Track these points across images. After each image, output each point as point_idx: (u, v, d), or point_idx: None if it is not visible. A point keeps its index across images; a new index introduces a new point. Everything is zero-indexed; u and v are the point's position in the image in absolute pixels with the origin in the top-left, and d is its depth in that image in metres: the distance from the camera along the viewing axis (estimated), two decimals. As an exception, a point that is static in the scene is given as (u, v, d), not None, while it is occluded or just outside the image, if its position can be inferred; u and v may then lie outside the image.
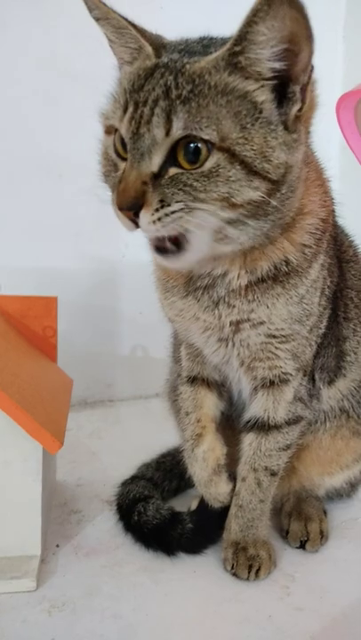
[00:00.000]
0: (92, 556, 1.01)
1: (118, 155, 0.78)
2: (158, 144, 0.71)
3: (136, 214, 0.72)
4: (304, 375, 0.97)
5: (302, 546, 1.05)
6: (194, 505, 1.08)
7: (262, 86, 0.72)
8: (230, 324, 0.88)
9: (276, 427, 0.96)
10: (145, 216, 0.71)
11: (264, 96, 0.73)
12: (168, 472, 1.20)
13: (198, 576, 0.97)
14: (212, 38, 0.80)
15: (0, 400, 0.88)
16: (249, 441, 0.98)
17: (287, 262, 0.85)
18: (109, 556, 1.02)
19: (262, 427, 0.97)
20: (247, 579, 0.96)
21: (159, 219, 0.71)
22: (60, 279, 1.57)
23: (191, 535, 1.01)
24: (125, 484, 1.14)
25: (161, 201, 0.71)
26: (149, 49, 0.77)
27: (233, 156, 0.70)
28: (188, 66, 0.72)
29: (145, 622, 0.87)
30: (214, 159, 0.70)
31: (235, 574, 0.97)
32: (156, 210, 0.71)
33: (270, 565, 0.98)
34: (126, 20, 0.78)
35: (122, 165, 0.76)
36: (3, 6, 1.51)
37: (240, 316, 0.87)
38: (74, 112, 1.41)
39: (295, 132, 0.75)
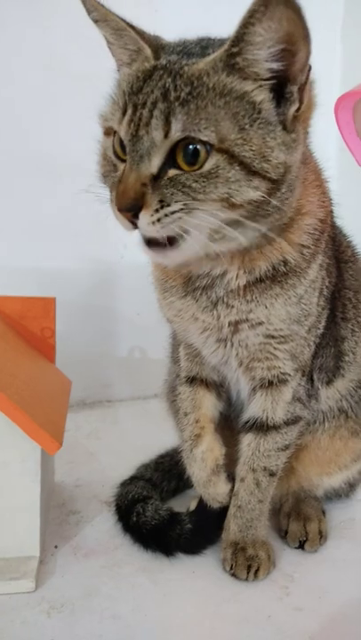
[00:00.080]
0: (91, 557, 1.01)
1: (117, 156, 0.78)
2: (157, 146, 0.71)
3: (135, 215, 0.72)
4: (303, 375, 0.97)
5: (301, 546, 1.05)
6: (193, 505, 1.08)
7: (260, 87, 0.73)
8: (229, 325, 0.88)
9: (275, 427, 0.96)
10: (145, 217, 0.71)
11: (262, 96, 0.73)
12: (167, 472, 1.20)
13: (197, 576, 0.97)
14: (210, 39, 0.80)
15: (-2, 401, 0.88)
16: (248, 441, 0.98)
17: (285, 263, 0.85)
18: (108, 556, 1.02)
19: (261, 427, 0.97)
20: (246, 579, 0.96)
21: (159, 219, 0.71)
22: (59, 280, 1.57)
23: (190, 536, 1.01)
24: (124, 484, 1.14)
25: (160, 201, 0.71)
26: (148, 51, 0.77)
27: (232, 156, 0.70)
28: (186, 68, 0.72)
29: (144, 623, 0.87)
30: (213, 160, 0.70)
31: (234, 574, 0.97)
32: (156, 210, 0.71)
33: (269, 566, 0.98)
34: (125, 21, 0.78)
35: (121, 166, 0.76)
36: (-2, 6, 1.51)
37: (239, 316, 0.87)
38: (71, 112, 1.41)
39: (294, 131, 0.75)
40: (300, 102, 0.74)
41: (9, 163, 1.55)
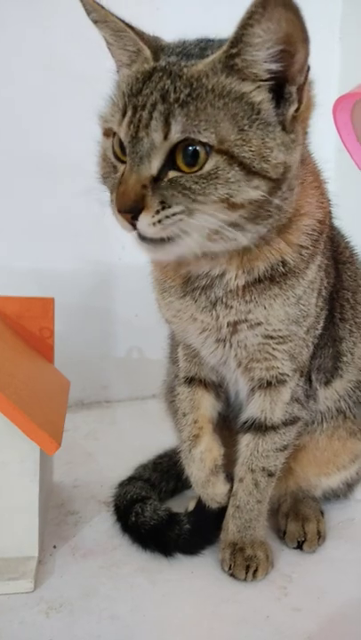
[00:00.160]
0: (90, 557, 1.01)
1: (117, 158, 0.78)
2: (157, 148, 0.71)
3: (135, 217, 0.72)
4: (301, 376, 0.97)
5: (300, 546, 1.05)
6: (191, 506, 1.08)
7: (259, 87, 0.73)
8: (228, 325, 0.88)
9: (274, 427, 0.97)
10: (145, 219, 0.71)
11: (261, 97, 0.73)
12: (165, 473, 1.20)
13: (196, 577, 0.97)
14: (209, 40, 0.80)
15: (-3, 401, 0.88)
16: (246, 442, 0.98)
17: (284, 263, 0.85)
18: (107, 557, 1.02)
19: (259, 427, 0.97)
20: (245, 579, 0.96)
21: (159, 221, 0.71)
22: (57, 280, 1.57)
23: (188, 536, 1.01)
24: (122, 485, 1.14)
25: (161, 202, 0.71)
26: (147, 52, 0.77)
27: (231, 157, 0.70)
28: (185, 69, 0.72)
29: (142, 623, 0.87)
30: (213, 162, 0.70)
31: (232, 575, 0.97)
32: (157, 212, 0.71)
33: (268, 566, 0.98)
34: (124, 22, 0.78)
35: (121, 168, 0.76)
36: (-2, 6, 1.51)
37: (238, 316, 0.87)
38: (71, 112, 1.41)
39: (293, 132, 0.75)
40: (299, 103, 0.74)
41: (9, 163, 1.55)
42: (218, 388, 1.04)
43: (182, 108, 0.70)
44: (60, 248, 1.62)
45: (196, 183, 0.71)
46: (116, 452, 1.40)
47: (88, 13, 0.79)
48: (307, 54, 0.70)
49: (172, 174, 0.72)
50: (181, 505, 1.14)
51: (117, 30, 0.79)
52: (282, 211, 0.77)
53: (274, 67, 0.72)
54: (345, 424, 1.07)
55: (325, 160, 0.94)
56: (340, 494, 1.19)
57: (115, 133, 0.77)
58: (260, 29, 0.68)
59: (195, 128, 0.70)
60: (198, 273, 0.86)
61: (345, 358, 1.04)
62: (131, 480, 1.15)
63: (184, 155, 0.71)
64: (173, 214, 0.71)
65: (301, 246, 0.86)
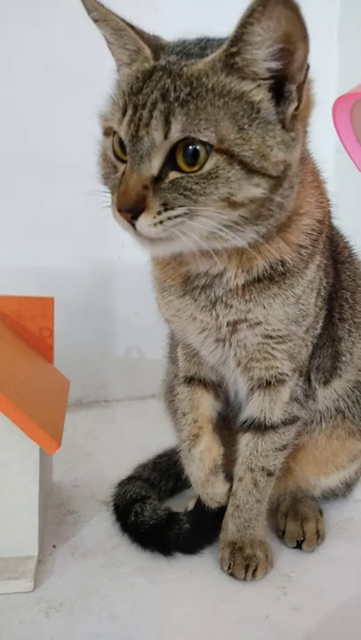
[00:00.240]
0: (89, 557, 1.01)
1: (117, 157, 0.78)
2: (157, 147, 0.71)
3: (134, 217, 0.72)
4: (300, 375, 0.97)
5: (299, 546, 1.06)
6: (191, 505, 1.09)
7: (259, 86, 0.73)
8: (227, 325, 0.88)
9: (273, 427, 0.97)
10: (146, 219, 0.71)
11: (261, 96, 0.73)
12: (165, 472, 1.20)
13: (195, 576, 0.98)
14: (208, 40, 0.80)
15: (-3, 401, 0.88)
16: (245, 441, 0.98)
17: (283, 262, 0.85)
18: (106, 556, 1.02)
19: (259, 427, 0.97)
20: (244, 579, 0.96)
21: (161, 222, 0.71)
22: (57, 280, 1.57)
23: (188, 535, 1.01)
24: (122, 484, 1.14)
25: (164, 204, 0.71)
26: (148, 51, 0.77)
27: (232, 156, 0.70)
28: (185, 68, 0.72)
29: (142, 623, 0.87)
30: (213, 161, 0.70)
31: (232, 574, 0.97)
32: (159, 213, 0.71)
33: (267, 565, 0.98)
34: (125, 21, 0.78)
35: (121, 167, 0.77)
36: (-2, 6, 1.51)
37: (237, 316, 0.87)
38: (71, 112, 1.41)
39: (293, 130, 0.75)
40: (299, 101, 0.74)
41: (9, 163, 1.55)
42: (217, 387, 1.04)
43: (182, 107, 0.70)
44: (59, 247, 1.62)
45: (197, 183, 0.71)
46: (116, 451, 1.40)
47: (89, 12, 0.79)
48: (306, 52, 0.71)
49: (172, 175, 0.72)
50: (181, 504, 1.14)
51: (118, 29, 0.79)
52: (283, 209, 0.77)
53: (274, 65, 0.72)
54: (344, 424, 1.08)
55: (324, 160, 0.94)
56: (338, 494, 1.19)
57: (115, 132, 0.77)
58: (260, 28, 0.68)
59: (195, 127, 0.70)
60: (198, 272, 0.87)
61: (344, 358, 1.04)
62: (130, 479, 1.16)
63: (184, 154, 0.71)
64: (176, 216, 0.71)
65: (301, 246, 0.86)
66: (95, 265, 1.71)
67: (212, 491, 0.98)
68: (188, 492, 1.18)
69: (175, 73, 0.72)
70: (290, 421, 0.98)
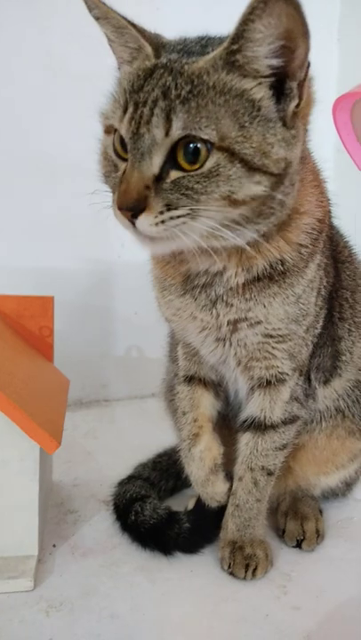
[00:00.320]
0: (89, 556, 1.01)
1: (118, 155, 0.78)
2: (158, 144, 0.71)
3: (134, 215, 0.72)
4: (300, 375, 0.97)
5: (299, 545, 1.06)
6: (191, 504, 1.09)
7: (260, 84, 0.73)
8: (228, 324, 0.88)
9: (273, 426, 0.97)
10: (147, 219, 0.71)
11: (262, 93, 0.73)
12: (164, 472, 1.20)
13: (195, 575, 0.98)
14: (210, 38, 0.80)
15: (-3, 400, 0.88)
16: (246, 440, 0.98)
17: (283, 262, 0.85)
18: (106, 555, 1.02)
19: (259, 426, 0.97)
20: (244, 578, 0.96)
21: (163, 221, 0.71)
22: (56, 279, 1.57)
23: (188, 535, 1.01)
24: (122, 483, 1.14)
25: (167, 205, 0.71)
26: (149, 49, 0.77)
27: (232, 154, 0.70)
28: (186, 66, 0.72)
29: (142, 622, 0.87)
30: (214, 159, 0.70)
31: (232, 573, 0.97)
32: (161, 213, 0.71)
33: (267, 564, 0.98)
34: (126, 19, 0.78)
35: (122, 166, 0.77)
36: (-3, 6, 1.51)
37: (238, 314, 0.87)
38: (71, 112, 1.41)
39: (293, 128, 0.75)
40: (300, 98, 0.74)
41: (9, 163, 1.55)
42: (217, 386, 1.04)
43: (183, 105, 0.70)
44: (59, 247, 1.62)
45: (199, 182, 0.71)
46: (116, 450, 1.40)
47: (90, 10, 0.79)
48: (307, 49, 0.71)
49: (174, 174, 0.72)
50: (181, 504, 1.14)
51: (119, 27, 0.79)
52: (284, 206, 0.77)
53: (275, 62, 0.72)
54: (344, 423, 1.08)
55: (324, 160, 0.94)
56: (338, 493, 1.19)
57: (116, 130, 0.77)
58: (261, 25, 0.68)
59: (196, 125, 0.70)
60: (198, 270, 0.87)
61: (344, 357, 1.04)
62: (130, 479, 1.16)
63: (185, 152, 0.71)
64: (178, 216, 0.71)
65: (301, 245, 0.86)
66: (95, 264, 1.71)
67: (213, 490, 0.98)
68: (188, 491, 1.19)
69: (176, 71, 0.72)
70: (290, 421, 0.98)
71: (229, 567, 0.97)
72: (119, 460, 1.25)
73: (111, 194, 0.79)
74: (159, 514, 1.04)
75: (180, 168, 0.72)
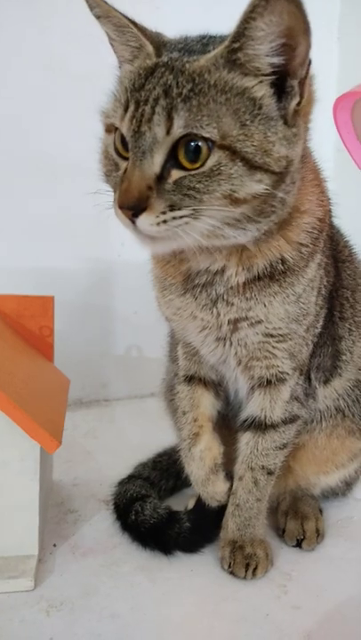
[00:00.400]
0: (90, 556, 1.01)
1: (119, 154, 0.78)
2: (159, 142, 0.71)
3: (135, 214, 0.72)
4: (301, 374, 0.97)
5: (299, 544, 1.06)
6: (191, 504, 1.09)
7: (261, 82, 0.73)
8: (228, 323, 0.88)
9: (273, 426, 0.97)
10: (148, 218, 0.71)
11: (263, 91, 0.73)
12: (165, 471, 1.20)
13: (196, 575, 0.98)
14: (211, 36, 0.80)
15: (-2, 399, 0.88)
16: (246, 440, 0.98)
17: (283, 261, 0.85)
18: (107, 555, 1.02)
19: (259, 426, 0.97)
20: (244, 577, 0.96)
21: (165, 221, 0.71)
22: (56, 279, 1.57)
23: (188, 534, 1.01)
24: (122, 483, 1.14)
25: (170, 206, 0.71)
26: (150, 48, 0.77)
27: (234, 153, 0.70)
28: (187, 65, 0.72)
29: (142, 621, 0.87)
30: (215, 157, 0.70)
31: (232, 573, 0.97)
32: (163, 213, 0.71)
33: (267, 564, 0.99)
34: (127, 18, 0.78)
35: (123, 165, 0.76)
36: (-3, 6, 1.51)
37: (238, 314, 0.87)
38: (71, 112, 1.41)
39: (294, 126, 0.75)
40: (301, 96, 0.74)
41: (9, 163, 1.55)
42: (217, 386, 1.04)
43: (185, 103, 0.70)
44: (59, 247, 1.62)
45: (200, 182, 0.71)
46: (116, 450, 1.40)
47: (91, 9, 0.79)
48: (309, 47, 0.71)
49: (175, 174, 0.72)
50: (181, 503, 1.14)
51: (120, 26, 0.79)
52: (285, 205, 0.77)
53: (276, 60, 0.72)
54: (344, 423, 1.08)
55: (324, 159, 0.94)
56: (338, 493, 1.19)
57: (117, 129, 0.77)
58: (262, 22, 0.68)
59: (197, 123, 0.70)
60: (199, 269, 0.87)
61: (344, 357, 1.04)
62: (130, 478, 1.16)
63: (186, 150, 0.71)
64: (181, 217, 0.71)
65: (301, 244, 0.86)
66: (95, 264, 1.71)
67: (213, 489, 0.98)
68: (188, 490, 1.18)
69: (177, 69, 0.72)
70: (290, 420, 0.98)
71: (230, 567, 0.97)
72: (119, 459, 1.25)
73: (112, 193, 0.79)
74: (159, 513, 1.04)
75: (181, 167, 0.72)
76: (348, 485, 1.18)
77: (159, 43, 0.78)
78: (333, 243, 1.01)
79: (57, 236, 1.60)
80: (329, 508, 1.18)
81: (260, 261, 0.84)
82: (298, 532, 1.07)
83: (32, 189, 1.57)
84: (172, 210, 0.71)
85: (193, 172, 0.71)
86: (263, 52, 0.71)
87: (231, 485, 1.00)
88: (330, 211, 0.95)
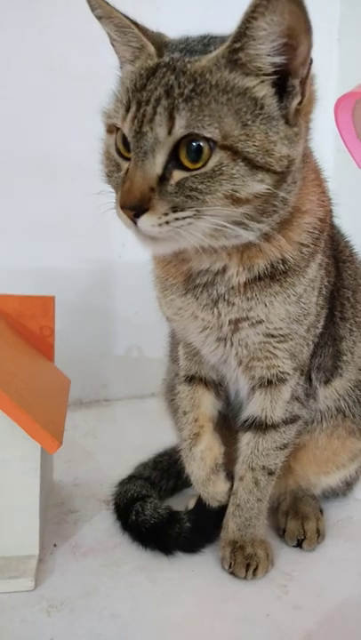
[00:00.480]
0: (90, 556, 1.01)
1: (120, 154, 0.78)
2: (161, 143, 0.71)
3: (137, 215, 0.72)
4: (301, 375, 0.97)
5: (299, 544, 1.06)
6: (191, 504, 1.09)
7: (262, 82, 0.73)
8: (229, 323, 0.88)
9: (274, 426, 0.97)
10: (149, 219, 0.71)
11: (264, 91, 0.73)
12: (165, 471, 1.20)
13: (196, 575, 0.98)
14: (212, 37, 0.80)
15: (-2, 399, 0.88)
16: (246, 440, 0.98)
17: (284, 261, 0.85)
18: (107, 555, 1.02)
19: (260, 426, 0.97)
20: (245, 577, 0.96)
21: (167, 222, 0.71)
22: (57, 279, 1.57)
23: (189, 534, 1.01)
24: (123, 483, 1.14)
25: (173, 207, 0.71)
26: (151, 48, 0.77)
27: (235, 153, 0.70)
28: (189, 65, 0.72)
29: (143, 622, 0.87)
30: (217, 158, 0.70)
31: (232, 573, 0.97)
32: (165, 214, 0.71)
33: (268, 564, 0.98)
34: (129, 18, 0.78)
35: (124, 165, 0.76)
36: (-3, 7, 1.51)
37: (239, 314, 0.87)
38: (71, 112, 1.41)
39: (296, 125, 0.75)
40: (302, 96, 0.74)
41: (9, 163, 1.55)
42: (218, 386, 1.04)
43: (186, 103, 0.70)
44: (59, 247, 1.62)
45: (202, 182, 0.71)
46: (116, 450, 1.40)
47: (92, 9, 0.79)
48: (310, 46, 0.71)
49: (177, 174, 0.72)
50: (182, 503, 1.14)
51: (121, 26, 0.79)
52: (286, 204, 0.77)
53: (277, 60, 0.72)
54: (344, 423, 1.08)
55: (325, 159, 0.94)
56: (339, 493, 1.19)
57: (118, 129, 0.77)
58: (263, 22, 0.68)
59: (199, 123, 0.70)
60: (200, 269, 0.87)
61: (345, 357, 1.04)
62: (131, 478, 1.16)
63: (188, 150, 0.71)
64: (184, 218, 0.71)
65: (302, 244, 0.86)
66: (95, 264, 1.71)
67: (213, 489, 0.98)
68: (188, 490, 1.18)
69: (179, 69, 0.72)
70: (291, 420, 0.98)
71: (230, 567, 0.97)
72: (119, 459, 1.25)
73: (114, 193, 0.79)
74: (160, 513, 1.04)
75: (182, 167, 0.72)
76: (348, 486, 1.19)
77: (160, 43, 0.78)
78: (334, 243, 1.01)
79: (57, 237, 1.60)
80: (329, 508, 1.18)
81: (261, 261, 0.84)
82: (298, 533, 1.07)
83: (32, 189, 1.57)
84: (174, 211, 0.71)
85: (195, 173, 0.71)
86: (265, 52, 0.71)
87: (232, 485, 1.00)
88: (331, 211, 0.95)
